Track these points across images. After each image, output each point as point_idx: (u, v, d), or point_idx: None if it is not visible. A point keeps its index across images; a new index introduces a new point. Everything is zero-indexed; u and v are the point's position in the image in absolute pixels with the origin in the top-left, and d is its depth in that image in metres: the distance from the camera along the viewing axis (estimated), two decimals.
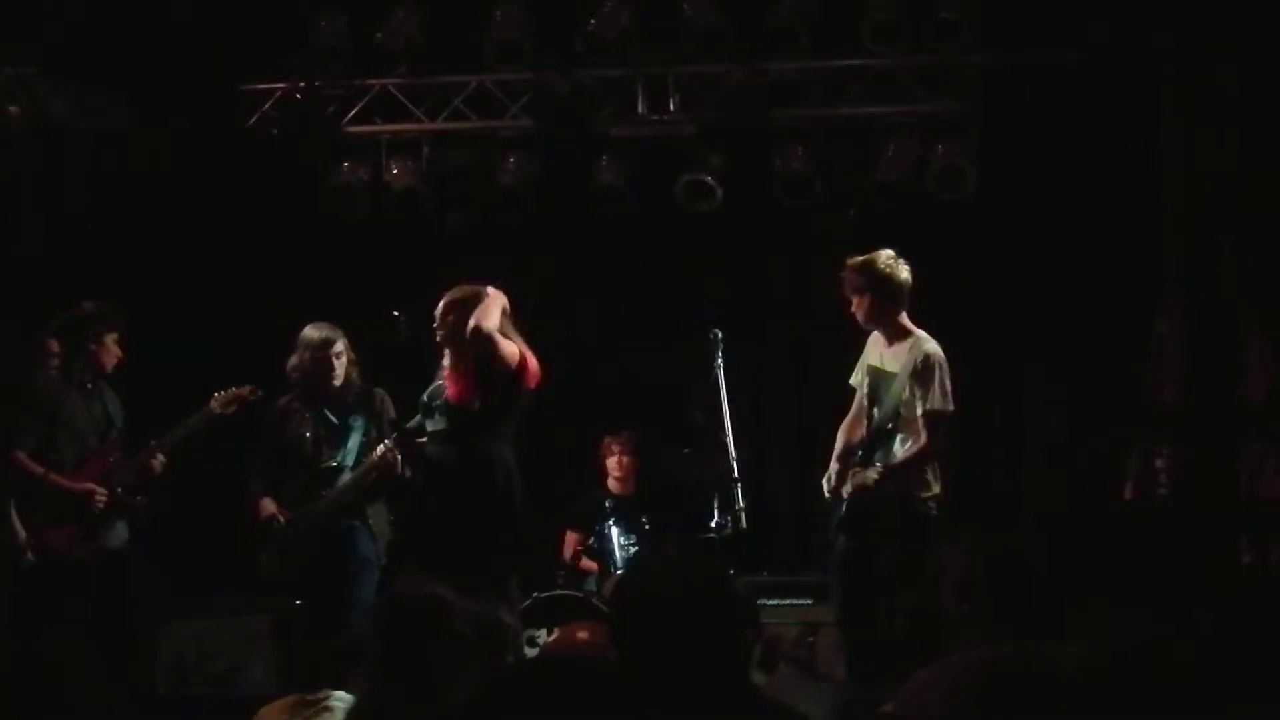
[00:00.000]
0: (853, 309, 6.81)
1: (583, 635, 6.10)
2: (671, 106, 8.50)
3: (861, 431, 6.86)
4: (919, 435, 6.68)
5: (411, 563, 6.63)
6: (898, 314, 6.77)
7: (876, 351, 6.86)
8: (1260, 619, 5.47)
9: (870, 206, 8.48)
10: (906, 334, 6.78)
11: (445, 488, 6.64)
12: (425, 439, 6.85)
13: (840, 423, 6.99)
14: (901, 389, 6.69)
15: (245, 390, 7.31)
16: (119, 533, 7.21)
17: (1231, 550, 6.17)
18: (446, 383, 6.72)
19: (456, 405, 6.65)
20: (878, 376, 6.80)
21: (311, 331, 7.24)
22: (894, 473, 6.65)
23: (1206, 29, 6.86)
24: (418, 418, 6.95)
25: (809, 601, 7.60)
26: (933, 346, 6.72)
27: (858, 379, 6.96)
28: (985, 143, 8.36)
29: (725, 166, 8.56)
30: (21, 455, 7.00)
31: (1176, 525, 6.52)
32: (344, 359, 7.22)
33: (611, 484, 8.60)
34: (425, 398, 6.81)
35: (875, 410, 6.78)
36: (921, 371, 6.68)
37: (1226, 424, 6.53)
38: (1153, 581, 6.38)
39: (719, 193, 8.49)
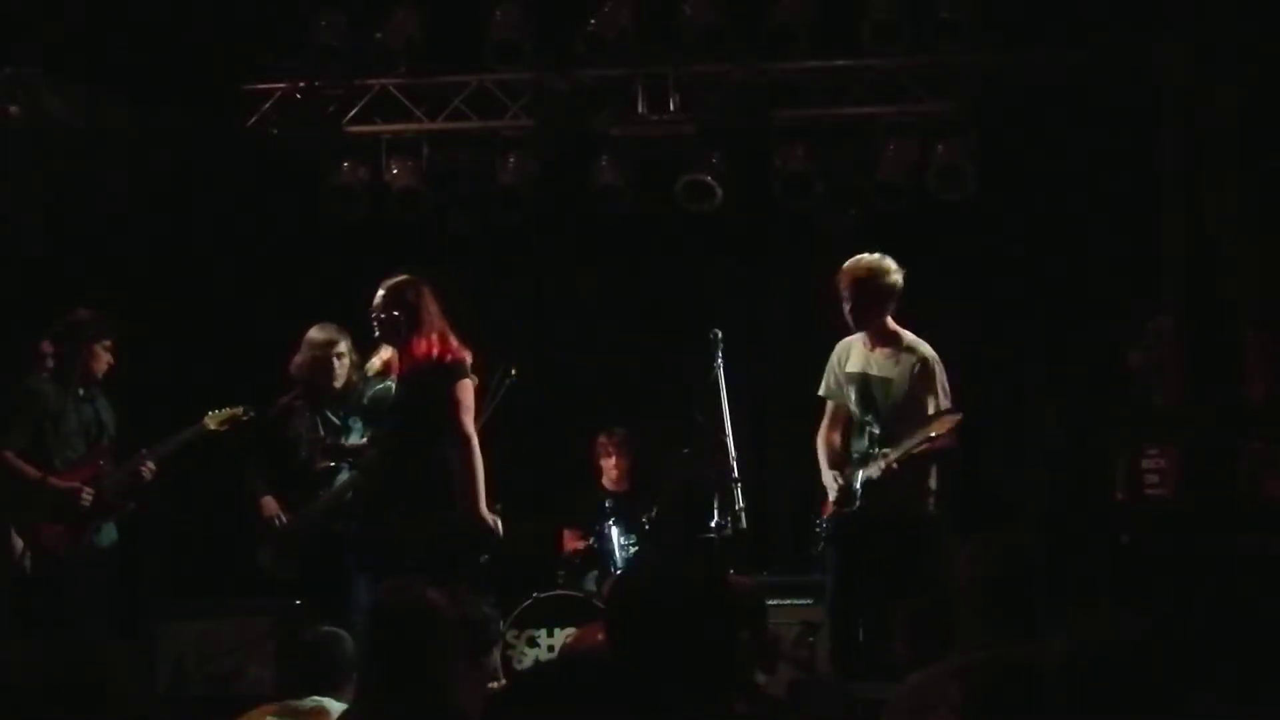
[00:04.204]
0: (845, 311, 6.80)
1: (603, 636, 6.06)
2: (671, 106, 8.49)
3: (839, 439, 6.89)
4: (924, 435, 6.68)
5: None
6: (883, 316, 6.76)
7: (859, 357, 6.83)
8: (1257, 617, 5.47)
9: (870, 206, 8.48)
10: (894, 337, 6.78)
11: (393, 490, 6.58)
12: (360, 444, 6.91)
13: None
14: (902, 393, 6.69)
15: (239, 410, 7.33)
16: (108, 533, 7.26)
17: (1231, 550, 6.16)
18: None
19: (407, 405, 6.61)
20: (868, 382, 6.77)
21: (316, 332, 7.25)
22: (909, 463, 6.64)
23: (1206, 29, 6.86)
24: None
25: (809, 601, 7.59)
26: (929, 349, 6.76)
27: (830, 389, 6.94)
28: (985, 143, 8.36)
29: (725, 166, 8.56)
30: (10, 454, 7.05)
31: (1176, 525, 6.52)
32: (347, 360, 7.23)
33: (607, 482, 8.61)
34: (367, 401, 6.75)
35: (871, 416, 6.75)
36: (925, 374, 6.70)
37: (1226, 424, 6.53)
38: (1151, 581, 6.38)
39: (719, 193, 8.49)
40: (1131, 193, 7.95)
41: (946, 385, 6.75)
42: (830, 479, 6.83)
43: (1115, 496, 7.14)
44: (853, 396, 6.83)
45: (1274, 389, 6.59)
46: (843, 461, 6.87)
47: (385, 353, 6.74)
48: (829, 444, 6.93)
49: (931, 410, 6.69)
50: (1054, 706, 3.13)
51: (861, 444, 6.81)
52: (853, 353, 6.87)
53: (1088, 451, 7.98)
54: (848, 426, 6.93)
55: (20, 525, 7.04)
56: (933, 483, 6.75)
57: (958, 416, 6.63)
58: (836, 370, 6.92)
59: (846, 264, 6.76)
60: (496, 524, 6.57)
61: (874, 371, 6.77)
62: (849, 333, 6.94)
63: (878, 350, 6.78)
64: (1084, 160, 8.35)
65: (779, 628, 7.27)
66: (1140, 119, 7.66)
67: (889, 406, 6.71)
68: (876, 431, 6.74)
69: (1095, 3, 8.08)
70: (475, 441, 6.53)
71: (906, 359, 6.74)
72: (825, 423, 6.99)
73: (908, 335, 6.79)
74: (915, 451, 6.60)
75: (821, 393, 7.00)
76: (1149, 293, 7.42)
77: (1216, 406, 6.59)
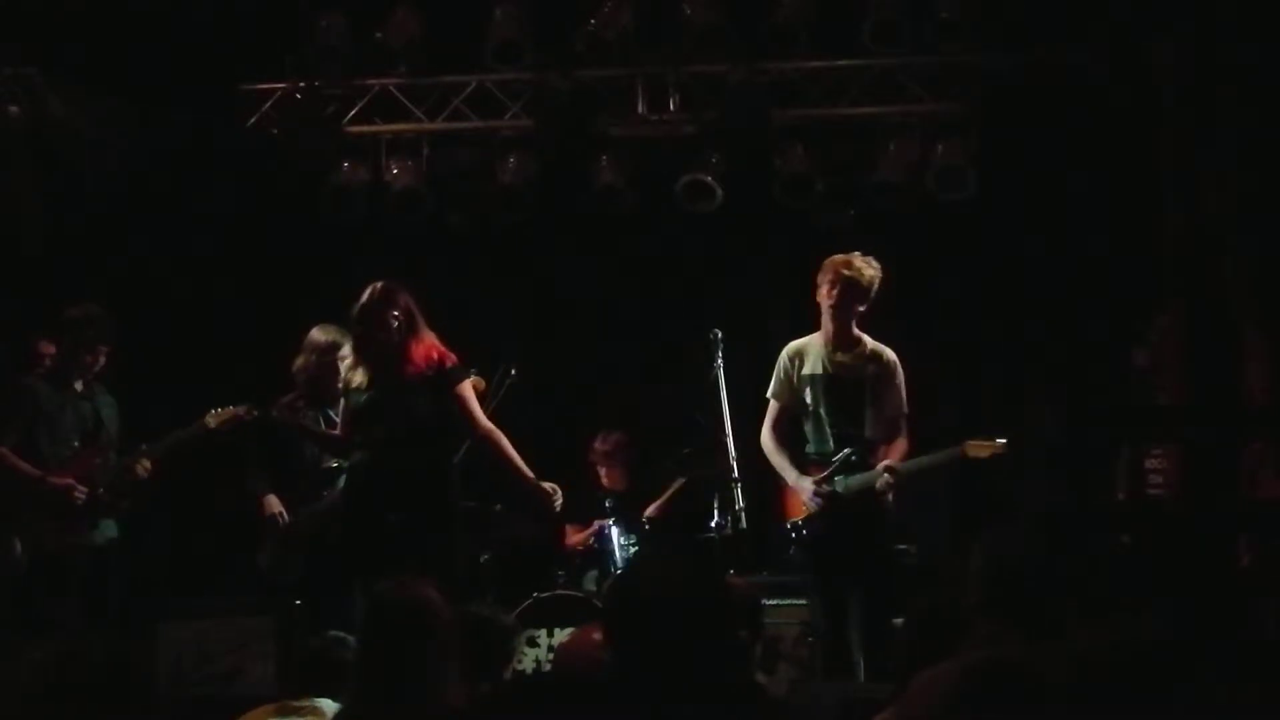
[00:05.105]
0: (824, 297, 6.74)
1: (598, 636, 6.05)
2: (671, 106, 8.51)
3: (787, 439, 6.85)
4: (889, 437, 6.72)
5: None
6: (858, 314, 6.74)
7: (817, 358, 6.78)
8: (1256, 617, 5.47)
9: (870, 206, 8.48)
10: (858, 340, 6.77)
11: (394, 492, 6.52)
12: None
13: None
14: (875, 397, 6.69)
15: (242, 410, 7.30)
16: (104, 531, 7.26)
17: (1231, 550, 6.16)
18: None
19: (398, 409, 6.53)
20: (834, 384, 6.73)
21: (319, 334, 7.23)
22: (903, 475, 6.66)
23: (1206, 29, 6.86)
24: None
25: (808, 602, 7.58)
26: (893, 353, 6.76)
27: (780, 390, 6.85)
28: (985, 143, 8.36)
29: (725, 166, 8.56)
30: (6, 451, 7.06)
31: (1175, 525, 6.52)
32: (349, 362, 7.20)
33: (604, 482, 8.61)
34: (360, 406, 6.60)
35: (840, 418, 6.73)
36: (893, 377, 6.73)
37: (1226, 424, 6.53)
38: (1151, 582, 6.38)
39: (719, 193, 8.49)
40: (1131, 193, 7.95)
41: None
42: (808, 484, 6.75)
43: (1115, 496, 7.14)
44: (814, 397, 6.76)
45: (1274, 389, 6.59)
46: (802, 461, 6.82)
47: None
48: (785, 446, 6.86)
49: (897, 413, 6.71)
50: (1054, 706, 3.13)
51: (825, 446, 6.76)
52: (808, 355, 6.81)
53: (1088, 451, 7.98)
54: (790, 426, 6.87)
55: (18, 523, 7.04)
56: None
57: (1001, 444, 6.70)
58: (791, 372, 6.84)
59: (838, 257, 6.71)
60: (556, 491, 6.58)
61: (840, 373, 6.74)
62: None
63: (840, 353, 6.75)
64: (1084, 160, 8.35)
65: (779, 628, 7.28)
66: (1140, 119, 7.66)
67: (864, 409, 6.71)
68: (841, 433, 6.72)
69: (1095, 3, 8.08)
70: (495, 429, 6.55)
71: (875, 362, 6.74)
72: (770, 423, 6.89)
73: (869, 339, 6.78)
74: (934, 465, 6.67)
75: (770, 394, 6.91)
76: (1149, 293, 7.42)
77: (1216, 406, 6.59)
